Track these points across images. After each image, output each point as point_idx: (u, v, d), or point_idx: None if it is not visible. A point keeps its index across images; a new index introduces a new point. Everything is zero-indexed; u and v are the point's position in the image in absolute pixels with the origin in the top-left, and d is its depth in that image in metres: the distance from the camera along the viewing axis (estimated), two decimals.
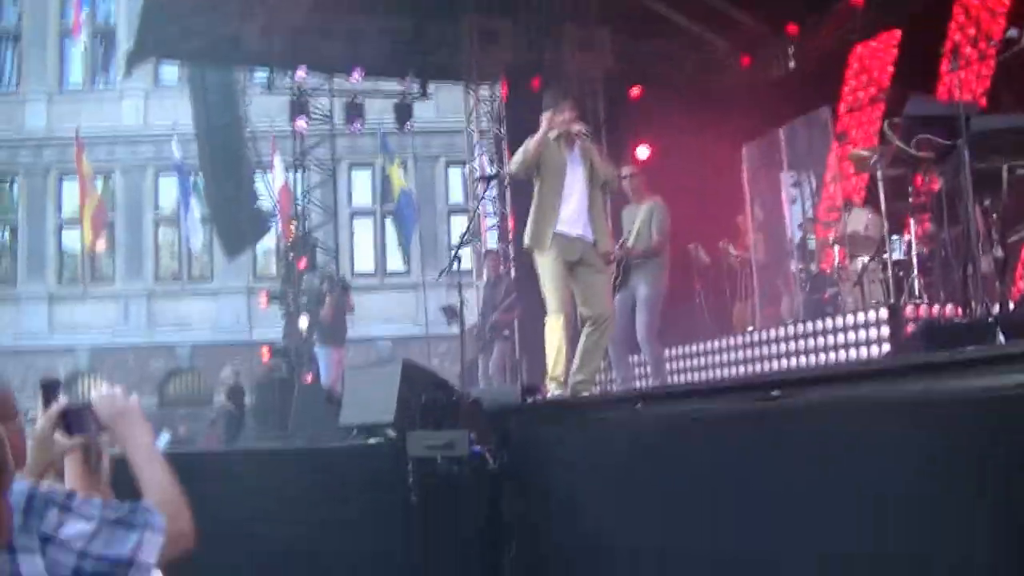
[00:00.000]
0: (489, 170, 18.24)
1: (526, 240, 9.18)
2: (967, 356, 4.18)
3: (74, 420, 3.26)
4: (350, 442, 9.79)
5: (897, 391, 4.46)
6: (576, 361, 9.01)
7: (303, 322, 19.15)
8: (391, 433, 8.98)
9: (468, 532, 8.39)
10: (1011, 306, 7.29)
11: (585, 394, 8.83)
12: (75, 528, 2.85)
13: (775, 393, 5.14)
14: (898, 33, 16.37)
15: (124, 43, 25.16)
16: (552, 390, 8.97)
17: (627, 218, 11.76)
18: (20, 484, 2.86)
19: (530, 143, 8.96)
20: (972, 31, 14.78)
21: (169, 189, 29.56)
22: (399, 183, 24.14)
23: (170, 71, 29.50)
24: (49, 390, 3.33)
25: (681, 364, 13.21)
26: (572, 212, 8.99)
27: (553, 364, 9.00)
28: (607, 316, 9.14)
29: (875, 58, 16.80)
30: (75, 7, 21.90)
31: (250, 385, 21.87)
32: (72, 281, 30.38)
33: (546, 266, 8.97)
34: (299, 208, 21.76)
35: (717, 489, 5.68)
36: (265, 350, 20.61)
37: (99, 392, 3.28)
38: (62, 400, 3.32)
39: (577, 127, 9.07)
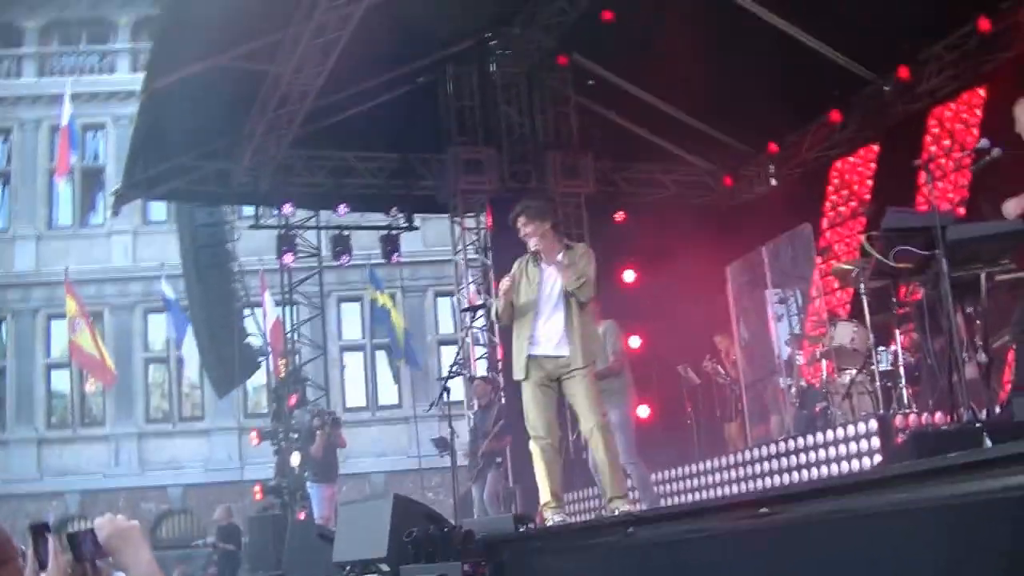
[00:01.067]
0: (477, 300, 18.27)
1: (514, 373, 8.99)
2: (949, 463, 4.17)
3: (77, 543, 3.25)
4: None
5: (883, 501, 4.44)
6: (601, 484, 8.76)
7: (295, 459, 19.06)
8: (385, 568, 8.90)
9: None
10: (997, 411, 7.27)
11: (625, 508, 8.50)
12: None
13: (763, 510, 5.11)
14: (876, 148, 16.60)
15: (112, 182, 25.35)
16: (549, 518, 8.65)
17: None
18: None
19: (498, 301, 8.98)
20: (947, 142, 15.00)
21: (158, 328, 29.63)
22: (400, 323, 24.30)
23: (158, 209, 29.85)
24: (38, 533, 3.32)
25: (676, 486, 13.12)
26: (547, 331, 8.76)
27: (542, 491, 8.75)
28: (599, 425, 8.72)
29: (855, 173, 17.02)
30: (61, 148, 22.09)
31: (244, 523, 21.69)
32: (61, 424, 30.27)
33: (525, 392, 8.80)
34: (289, 344, 21.78)
35: None
36: (258, 488, 20.47)
37: (100, 517, 3.27)
38: (51, 541, 3.31)
39: (532, 243, 8.88)
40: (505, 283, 8.85)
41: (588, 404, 8.76)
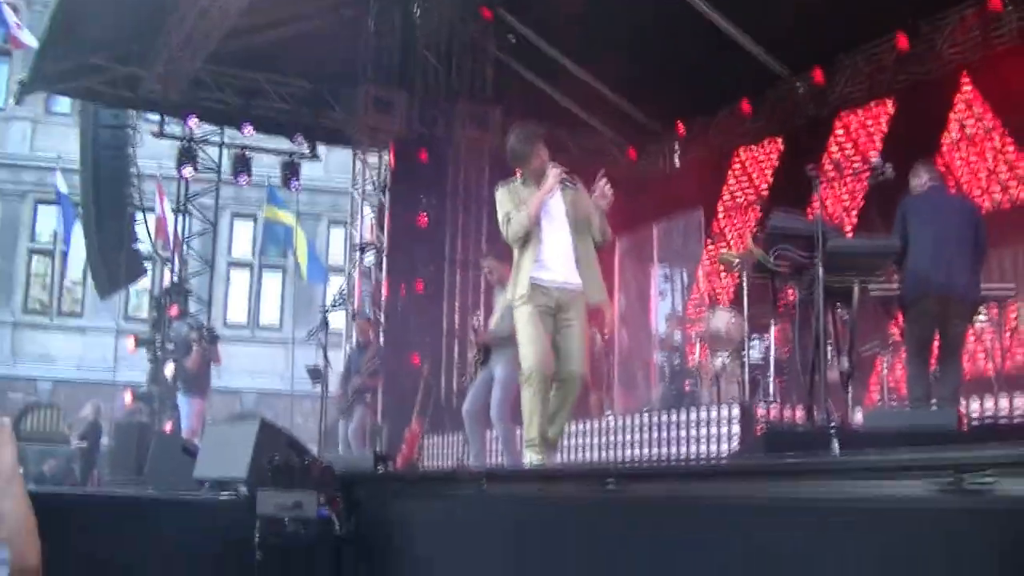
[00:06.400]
0: (369, 236, 18.40)
1: (507, 292, 8.32)
2: (794, 465, 4.36)
3: None
4: (202, 495, 9.77)
5: (719, 492, 4.63)
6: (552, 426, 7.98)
7: (169, 369, 18.99)
8: (243, 489, 9.00)
9: None
10: (855, 416, 7.55)
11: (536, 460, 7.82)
12: None
13: (609, 483, 5.26)
14: (780, 142, 16.83)
15: (18, 66, 24.84)
16: (530, 457, 7.86)
17: (498, 302, 11.66)
18: None
19: (524, 215, 8.02)
20: (850, 148, 15.27)
21: (48, 220, 29.16)
22: (302, 242, 24.18)
23: (63, 101, 29.18)
24: None
25: None
26: (552, 257, 8.04)
27: (527, 426, 7.92)
28: (576, 376, 7.99)
29: (756, 164, 17.24)
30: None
31: (109, 426, 21.58)
32: None
33: (520, 318, 8.00)
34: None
35: (558, 572, 5.77)
36: (128, 393, 20.37)
37: None
38: None
39: (556, 170, 8.18)
40: (541, 195, 8.09)
41: (576, 349, 8.05)
